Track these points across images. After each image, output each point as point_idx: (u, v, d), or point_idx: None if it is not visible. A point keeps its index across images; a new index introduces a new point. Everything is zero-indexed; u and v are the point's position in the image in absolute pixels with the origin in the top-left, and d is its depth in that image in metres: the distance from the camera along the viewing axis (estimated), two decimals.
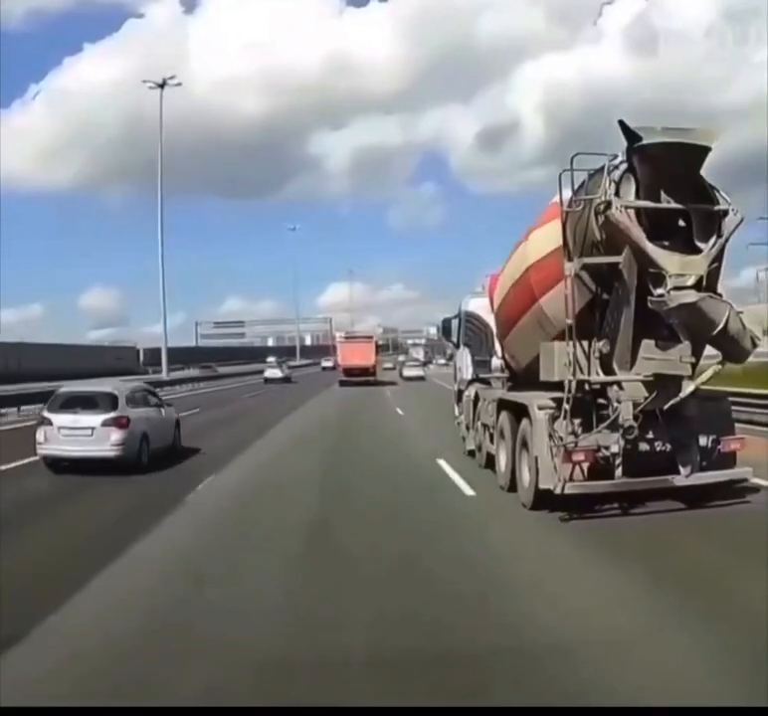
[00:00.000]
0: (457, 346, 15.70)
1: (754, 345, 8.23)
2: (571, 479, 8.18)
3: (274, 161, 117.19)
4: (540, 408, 8.62)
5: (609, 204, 7.79)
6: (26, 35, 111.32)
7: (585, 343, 8.40)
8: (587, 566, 6.93)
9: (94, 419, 12.00)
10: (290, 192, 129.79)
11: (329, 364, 66.48)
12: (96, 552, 7.41)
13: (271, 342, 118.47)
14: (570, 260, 8.20)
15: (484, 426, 11.40)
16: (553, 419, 8.39)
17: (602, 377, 8.29)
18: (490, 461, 11.01)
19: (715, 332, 7.83)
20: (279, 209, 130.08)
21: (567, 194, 8.50)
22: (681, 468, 8.44)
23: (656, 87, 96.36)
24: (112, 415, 12.06)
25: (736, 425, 9.56)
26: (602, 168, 8.12)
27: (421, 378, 51.44)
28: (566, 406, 8.16)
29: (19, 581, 6.38)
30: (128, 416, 12.25)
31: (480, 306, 13.22)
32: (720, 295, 7.99)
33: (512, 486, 9.57)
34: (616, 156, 8.14)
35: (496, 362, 12.22)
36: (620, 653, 4.78)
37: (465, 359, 14.44)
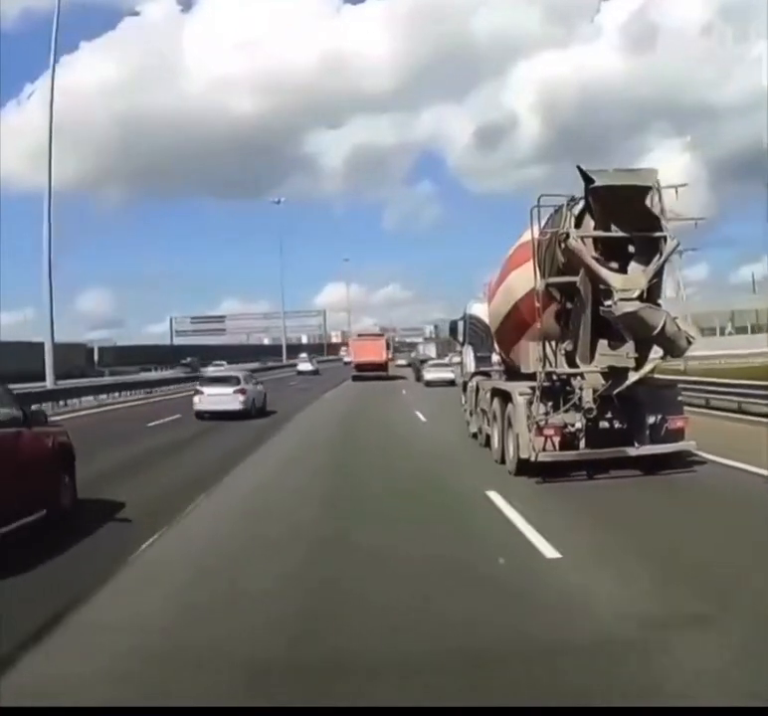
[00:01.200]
0: (462, 344, 18.10)
1: (689, 343, 10.40)
2: (544, 450, 10.42)
3: (269, 161, 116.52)
4: (520, 394, 10.89)
5: (568, 235, 10.00)
6: (21, 34, 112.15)
7: (553, 343, 10.66)
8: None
9: (228, 389, 22.37)
10: (286, 192, 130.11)
11: (350, 359, 69.95)
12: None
13: (266, 341, 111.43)
14: (543, 277, 10.46)
15: (483, 411, 13.69)
16: (530, 402, 10.64)
17: (567, 369, 10.54)
18: (489, 441, 13.31)
19: (654, 334, 10.01)
20: (274, 209, 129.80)
21: (538, 225, 10.72)
22: (635, 442, 10.64)
23: (652, 84, 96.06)
24: (238, 387, 22.60)
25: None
26: (562, 206, 10.33)
27: (450, 383, 35.64)
28: (537, 392, 10.43)
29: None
30: (245, 388, 22.79)
31: (481, 310, 15.52)
32: (659, 305, 10.16)
33: (503, 460, 11.84)
34: (573, 197, 10.32)
35: (495, 357, 14.58)
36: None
37: (469, 355, 16.78)
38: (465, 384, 17.03)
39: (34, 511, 7.78)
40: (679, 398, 11.50)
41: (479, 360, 15.97)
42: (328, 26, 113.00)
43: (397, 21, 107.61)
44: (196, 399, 22.58)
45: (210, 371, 54.98)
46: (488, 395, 13.13)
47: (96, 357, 68.90)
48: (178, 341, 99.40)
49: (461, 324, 18.24)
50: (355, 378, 48.47)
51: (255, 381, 24.89)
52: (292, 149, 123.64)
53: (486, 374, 15.22)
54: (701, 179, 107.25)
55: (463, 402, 17.14)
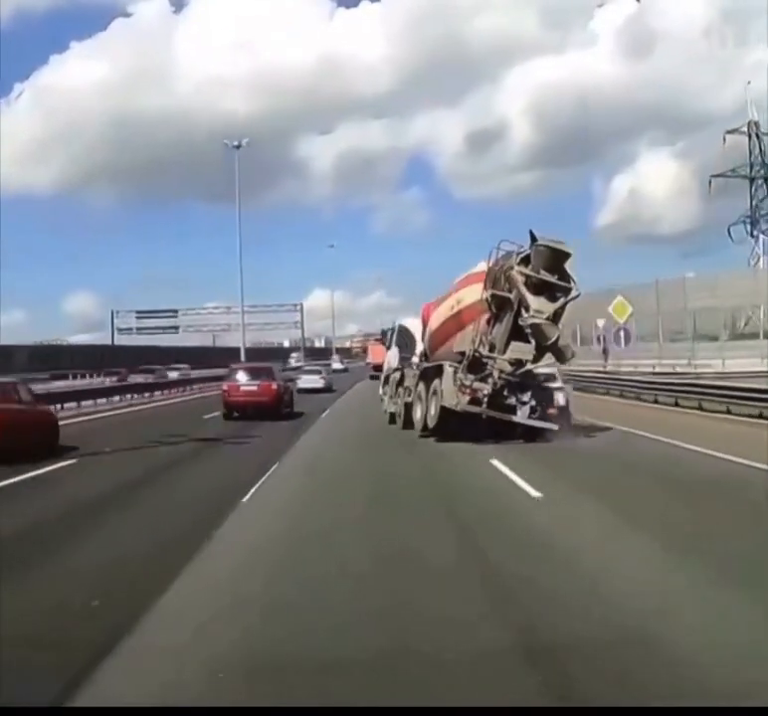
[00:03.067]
0: (389, 348, 23.90)
1: (572, 355, 15.96)
2: (460, 403, 15.69)
3: (258, 165, 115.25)
4: (449, 365, 16.23)
5: (512, 267, 15.57)
6: (12, 32, 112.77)
7: (483, 336, 16.08)
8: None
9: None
10: (274, 198, 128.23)
11: (370, 360, 71.76)
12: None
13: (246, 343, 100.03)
14: (486, 289, 15.98)
15: (407, 389, 18.89)
16: (455, 371, 15.96)
17: (487, 353, 15.93)
18: (403, 420, 18.82)
19: (549, 343, 15.49)
20: (261, 214, 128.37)
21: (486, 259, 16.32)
22: (518, 413, 15.95)
23: (646, 90, 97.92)
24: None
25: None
26: (512, 252, 15.95)
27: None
28: (466, 362, 15.81)
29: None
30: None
31: (410, 323, 21.87)
32: (557, 325, 15.65)
33: (424, 428, 16.94)
34: (522, 246, 15.91)
35: (415, 358, 20.08)
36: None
37: (395, 355, 22.31)
38: (386, 377, 22.45)
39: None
40: (561, 394, 16.74)
41: (401, 359, 21.54)
42: (322, 30, 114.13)
43: (391, 25, 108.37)
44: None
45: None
46: (416, 375, 18.39)
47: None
48: (122, 341, 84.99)
49: (389, 333, 24.38)
50: (372, 377, 50.73)
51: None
52: (283, 154, 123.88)
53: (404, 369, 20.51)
54: (693, 187, 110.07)
55: (381, 392, 22.87)
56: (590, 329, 38.90)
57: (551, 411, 16.27)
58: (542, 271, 15.75)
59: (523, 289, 15.46)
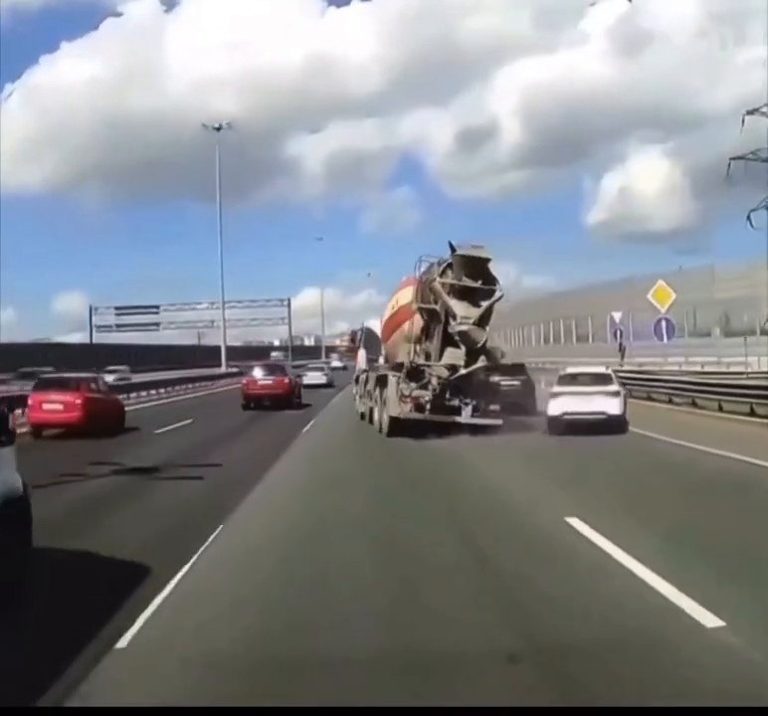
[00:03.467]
0: (358, 348, 24.81)
1: (502, 355, 16.87)
2: (404, 411, 16.67)
3: (249, 164, 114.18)
4: (393, 375, 17.21)
5: (434, 279, 16.46)
6: (2, 32, 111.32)
7: (418, 345, 17.02)
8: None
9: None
10: (265, 197, 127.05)
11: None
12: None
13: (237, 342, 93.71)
14: (415, 302, 16.91)
15: (369, 392, 19.92)
16: (398, 381, 16.93)
17: (424, 361, 16.89)
18: (368, 421, 19.66)
19: (477, 347, 16.42)
20: (252, 212, 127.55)
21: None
22: (462, 413, 16.92)
23: (638, 89, 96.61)
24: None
25: None
26: (433, 263, 16.82)
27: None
28: (404, 374, 16.77)
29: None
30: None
31: (375, 325, 22.55)
32: (484, 328, 16.57)
33: (380, 429, 17.97)
34: (442, 258, 16.79)
35: (381, 359, 21.04)
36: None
37: (363, 356, 23.33)
38: (357, 377, 23.56)
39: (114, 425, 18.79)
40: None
41: (369, 361, 22.49)
42: (312, 29, 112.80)
43: (382, 24, 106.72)
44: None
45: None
46: (373, 380, 19.40)
47: None
48: (101, 339, 79.23)
49: (359, 333, 25.22)
50: None
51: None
52: (273, 153, 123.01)
53: (373, 369, 21.53)
54: (685, 186, 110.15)
55: (354, 391, 23.92)
56: (601, 325, 36.15)
57: (491, 407, 17.24)
58: (465, 279, 16.64)
59: (448, 299, 16.36)
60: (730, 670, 4.25)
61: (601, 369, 16.59)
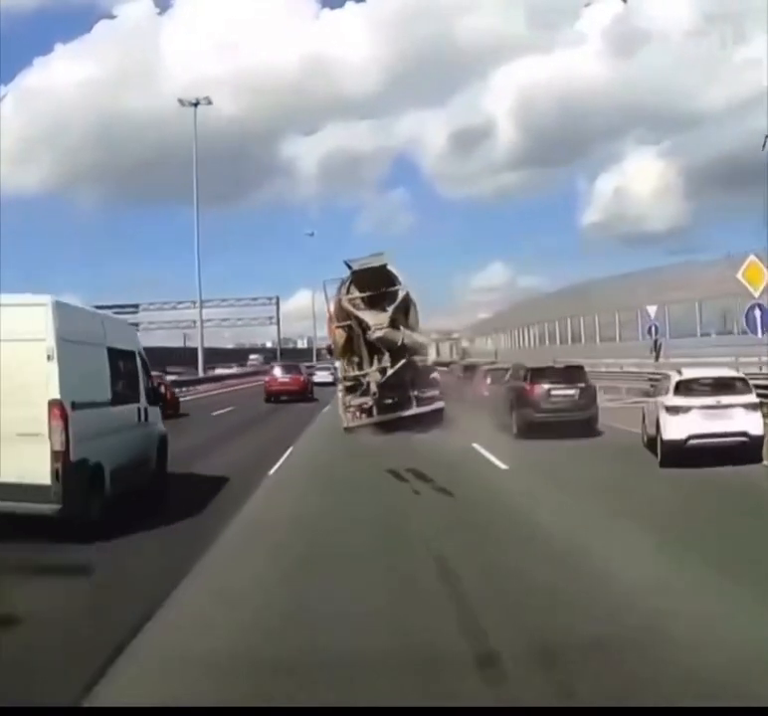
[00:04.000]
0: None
1: (425, 348, 18.43)
2: (351, 420, 18.32)
3: (243, 167, 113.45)
4: (339, 390, 18.88)
5: (340, 300, 18.02)
6: None
7: (348, 358, 18.64)
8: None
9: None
10: (262, 197, 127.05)
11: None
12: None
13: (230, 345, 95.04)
14: (332, 322, 18.50)
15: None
16: (343, 395, 18.59)
17: (358, 372, 18.51)
18: None
19: (397, 347, 17.98)
20: (246, 216, 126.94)
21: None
22: (406, 408, 18.53)
23: (634, 89, 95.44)
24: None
25: None
26: (337, 285, 18.40)
27: None
28: (343, 389, 18.42)
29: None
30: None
31: None
32: (399, 329, 18.09)
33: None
34: (344, 278, 18.32)
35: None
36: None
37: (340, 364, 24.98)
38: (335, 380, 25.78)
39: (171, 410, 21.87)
40: (434, 375, 19.33)
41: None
42: (307, 31, 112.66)
43: (377, 25, 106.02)
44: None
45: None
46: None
47: None
48: None
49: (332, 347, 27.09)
50: None
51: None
52: (268, 155, 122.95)
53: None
54: (679, 186, 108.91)
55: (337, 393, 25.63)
56: (626, 321, 31.60)
57: (429, 393, 18.86)
58: (367, 290, 18.13)
59: (357, 313, 17.93)
60: None
61: (728, 371, 13.23)
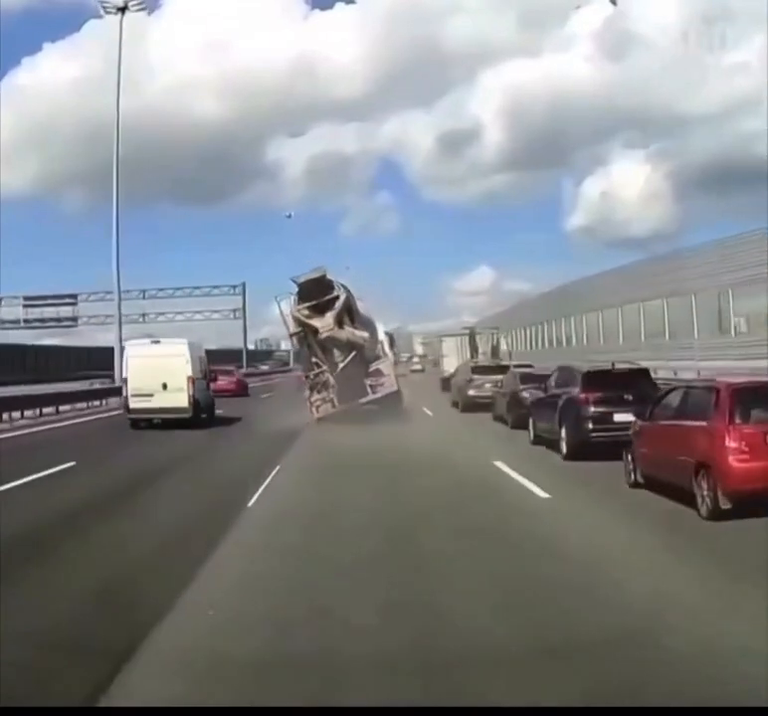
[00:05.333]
0: None
1: (365, 342, 21.52)
2: (316, 414, 21.31)
3: (230, 168, 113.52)
4: (305, 389, 21.93)
5: (292, 311, 21.13)
6: None
7: (310, 360, 21.71)
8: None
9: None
10: (247, 199, 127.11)
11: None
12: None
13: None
14: (289, 332, 21.63)
15: None
16: (308, 391, 21.66)
17: (318, 371, 21.55)
18: None
19: (343, 344, 21.04)
20: (231, 216, 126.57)
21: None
22: (362, 395, 21.53)
23: (622, 93, 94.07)
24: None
25: None
26: (288, 300, 21.52)
27: None
28: (307, 387, 21.51)
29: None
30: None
31: None
32: (343, 328, 21.13)
33: None
34: (291, 291, 21.43)
35: None
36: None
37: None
38: None
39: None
40: (383, 366, 22.38)
41: None
42: (295, 32, 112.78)
43: (366, 28, 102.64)
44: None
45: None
46: None
47: None
48: (8, 338, 62.35)
49: None
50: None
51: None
52: (254, 156, 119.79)
53: None
54: (665, 190, 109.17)
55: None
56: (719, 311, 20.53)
57: (380, 380, 21.93)
58: (312, 299, 21.14)
59: (307, 321, 20.99)
60: None
61: None
